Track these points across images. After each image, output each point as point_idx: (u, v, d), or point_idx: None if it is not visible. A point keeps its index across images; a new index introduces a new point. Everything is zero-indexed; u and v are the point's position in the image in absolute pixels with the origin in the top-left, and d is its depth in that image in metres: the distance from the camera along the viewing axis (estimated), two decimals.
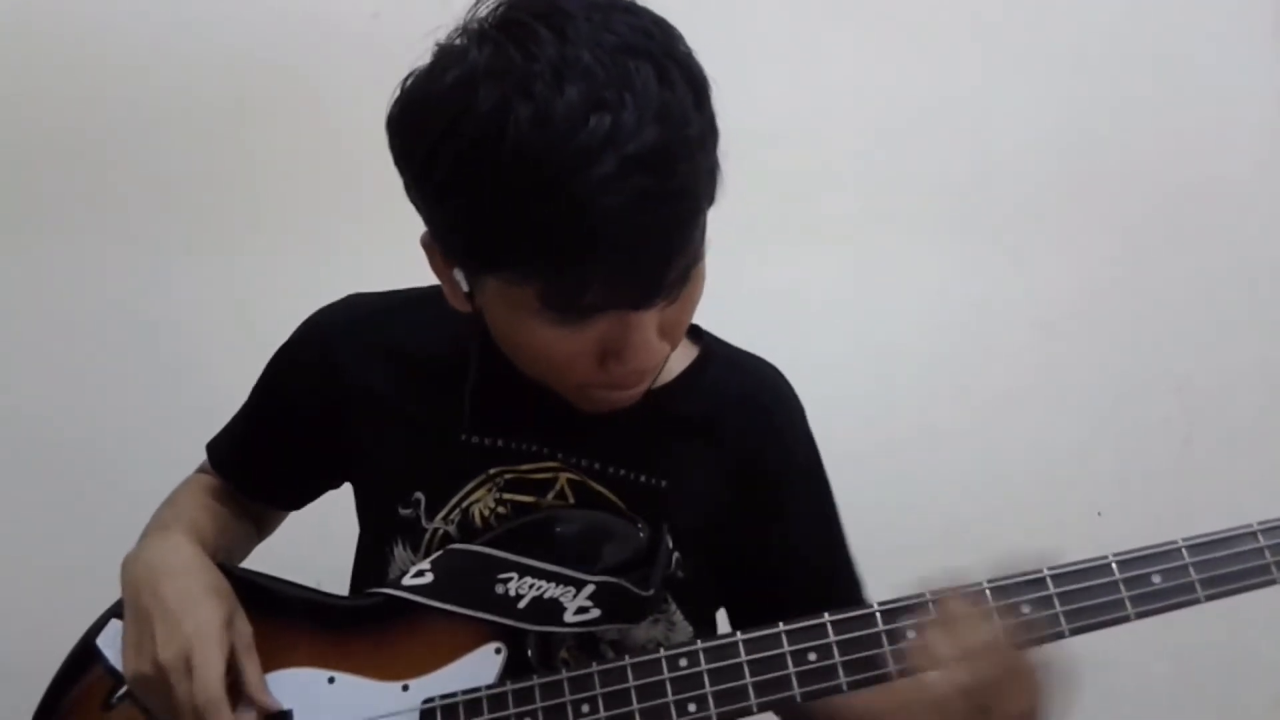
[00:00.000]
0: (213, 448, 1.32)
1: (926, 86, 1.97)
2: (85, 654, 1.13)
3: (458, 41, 0.91)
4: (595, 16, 0.87)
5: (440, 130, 0.87)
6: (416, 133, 0.91)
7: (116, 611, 1.13)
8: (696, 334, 1.22)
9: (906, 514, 1.94)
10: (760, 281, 1.91)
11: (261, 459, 1.29)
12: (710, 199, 0.94)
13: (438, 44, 0.92)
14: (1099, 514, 1.85)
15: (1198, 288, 1.96)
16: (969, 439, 1.94)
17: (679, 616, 1.14)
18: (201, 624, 1.03)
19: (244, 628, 1.08)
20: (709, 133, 0.91)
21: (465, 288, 0.98)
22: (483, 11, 0.91)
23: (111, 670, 1.10)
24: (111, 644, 1.11)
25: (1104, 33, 1.97)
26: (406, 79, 0.93)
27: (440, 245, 0.98)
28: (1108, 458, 1.93)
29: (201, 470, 1.33)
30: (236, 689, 1.04)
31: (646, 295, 0.91)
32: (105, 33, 1.91)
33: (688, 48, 0.92)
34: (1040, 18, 1.97)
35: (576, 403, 1.06)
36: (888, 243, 1.96)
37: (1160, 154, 1.97)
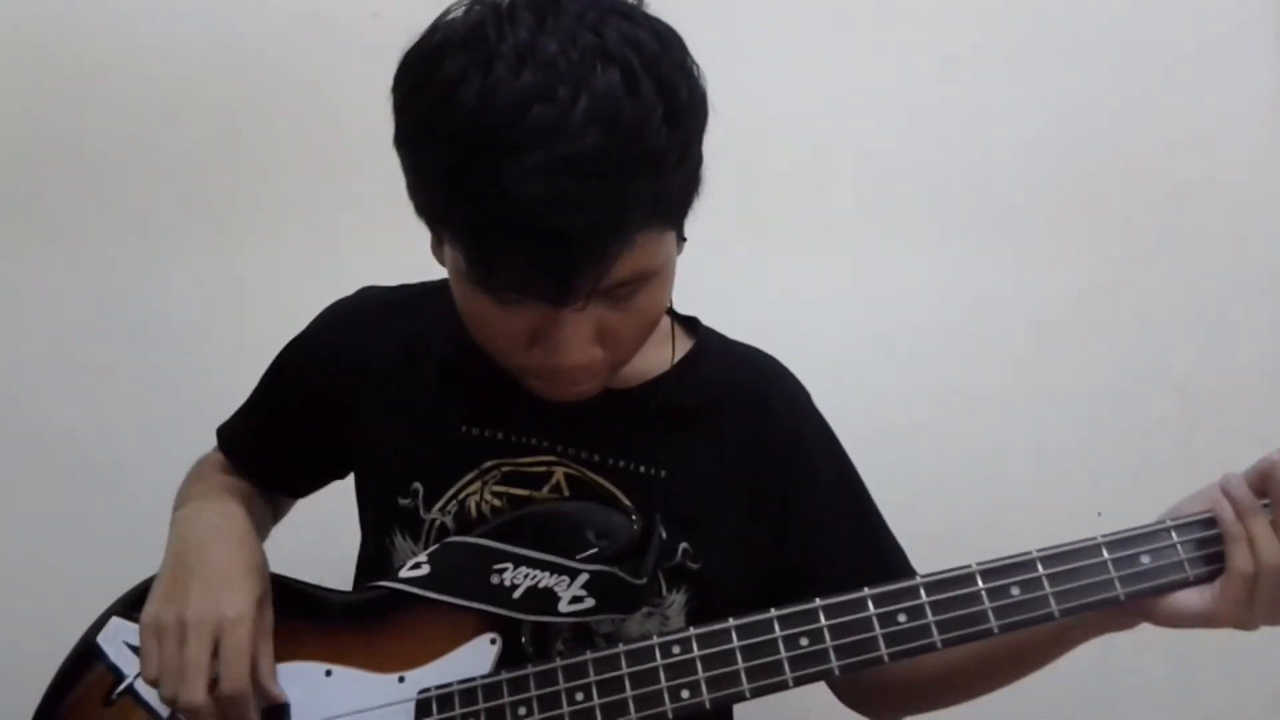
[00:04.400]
0: (223, 432, 1.34)
1: (926, 85, 1.97)
2: (86, 651, 1.14)
3: (463, 10, 0.93)
4: (589, 16, 0.88)
5: (410, 88, 0.91)
6: (397, 85, 0.94)
7: (117, 609, 1.15)
8: (693, 327, 1.23)
9: (906, 514, 1.93)
10: (758, 280, 1.91)
11: (269, 445, 1.31)
12: (664, 219, 0.94)
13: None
14: (1099, 514, 1.85)
15: (1198, 288, 1.95)
16: (968, 439, 1.94)
17: (673, 610, 1.14)
18: (238, 597, 1.05)
19: (269, 613, 1.10)
20: (674, 152, 0.89)
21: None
22: None
23: (112, 667, 1.11)
24: (112, 641, 1.12)
25: (1103, 32, 1.96)
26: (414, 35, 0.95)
27: None
28: (1108, 458, 1.92)
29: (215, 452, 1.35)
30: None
31: (556, 294, 0.91)
32: (104, 32, 1.92)
33: (687, 64, 0.92)
34: (1040, 17, 1.97)
35: (527, 387, 1.07)
36: (887, 242, 1.95)
37: (1160, 153, 1.96)
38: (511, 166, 0.83)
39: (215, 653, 1.03)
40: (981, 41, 1.97)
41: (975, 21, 1.97)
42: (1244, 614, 0.98)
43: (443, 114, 0.86)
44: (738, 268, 1.86)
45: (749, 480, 1.17)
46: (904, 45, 1.97)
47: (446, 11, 0.94)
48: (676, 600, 1.14)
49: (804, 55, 1.97)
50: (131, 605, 1.14)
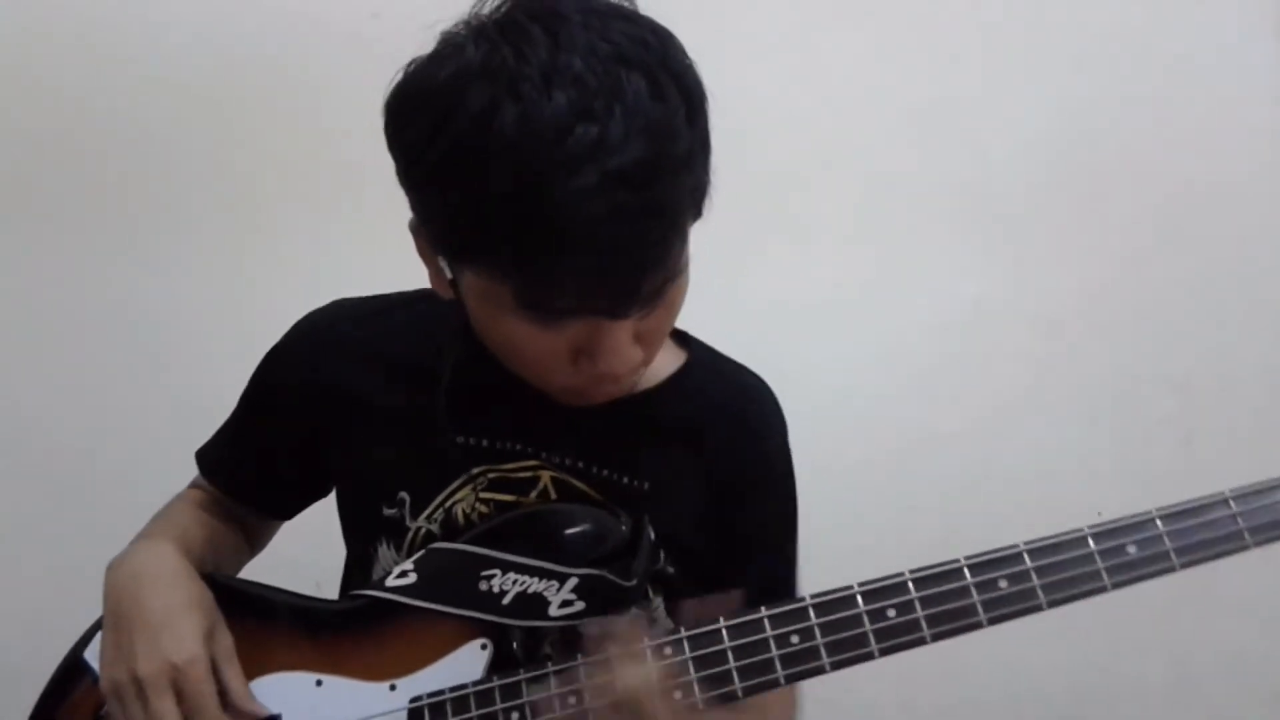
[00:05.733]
0: (202, 454, 1.32)
1: (926, 86, 1.97)
2: (73, 667, 1.13)
3: (460, 33, 0.91)
4: (593, 23, 0.87)
5: (430, 123, 0.88)
6: (408, 122, 0.92)
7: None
8: (684, 340, 1.22)
9: (906, 514, 1.94)
10: (759, 282, 1.91)
11: (250, 463, 1.29)
12: (696, 214, 0.94)
13: (442, 33, 0.93)
14: (1099, 514, 1.84)
15: (1198, 288, 1.95)
16: (969, 439, 1.94)
17: (661, 612, 1.14)
18: (183, 638, 1.04)
19: (224, 639, 1.08)
20: (699, 148, 0.91)
21: (449, 275, 0.98)
22: (487, 8, 0.92)
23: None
24: (99, 656, 1.10)
25: (1104, 32, 1.96)
26: (407, 65, 0.93)
27: (425, 232, 0.98)
28: (1108, 458, 1.92)
29: (194, 484, 1.33)
30: (222, 699, 1.04)
31: (620, 306, 0.91)
32: (106, 32, 1.93)
33: (687, 59, 0.92)
34: (1040, 17, 1.97)
35: (556, 397, 1.06)
36: (887, 243, 1.96)
37: (1160, 154, 1.96)
38: (566, 190, 0.82)
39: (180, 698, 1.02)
40: (982, 42, 1.97)
41: (976, 22, 1.97)
42: None
43: (481, 146, 0.84)
44: (737, 269, 1.86)
45: (719, 498, 1.17)
46: (904, 45, 1.97)
47: (444, 42, 0.92)
48: (660, 605, 1.15)
49: (804, 55, 1.97)
50: None
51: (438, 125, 0.87)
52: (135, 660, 1.02)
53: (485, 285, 0.93)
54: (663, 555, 1.13)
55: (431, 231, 0.97)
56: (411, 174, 0.93)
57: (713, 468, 1.16)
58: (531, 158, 0.83)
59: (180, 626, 1.04)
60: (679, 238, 0.92)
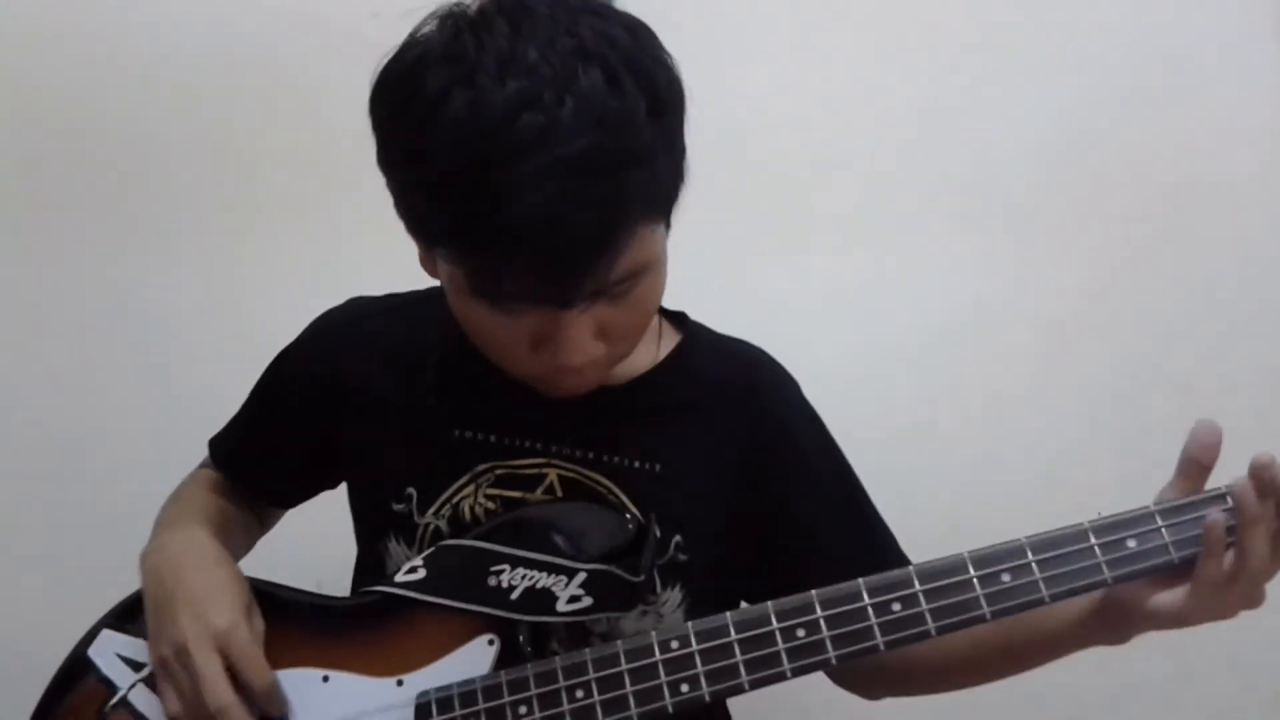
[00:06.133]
0: (214, 444, 1.34)
1: (925, 85, 1.97)
2: (77, 665, 1.13)
3: (432, 23, 0.93)
4: (560, 16, 0.89)
5: (393, 108, 0.91)
6: (378, 106, 0.95)
7: (107, 621, 1.15)
8: (680, 321, 1.24)
9: (906, 514, 1.93)
10: (758, 281, 1.91)
11: (261, 455, 1.31)
12: (657, 211, 0.95)
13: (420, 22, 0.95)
14: (1099, 513, 1.84)
15: (1198, 288, 1.95)
16: (968, 439, 1.93)
17: (667, 608, 1.14)
18: (224, 608, 1.05)
19: (258, 620, 1.10)
20: (661, 145, 0.91)
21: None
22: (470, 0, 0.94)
23: (105, 680, 1.11)
24: (103, 654, 1.12)
25: (1104, 32, 1.96)
26: (386, 55, 0.95)
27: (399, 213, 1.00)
28: (1108, 458, 1.92)
29: (204, 465, 1.35)
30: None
31: (565, 296, 0.92)
32: (104, 31, 1.92)
33: (661, 56, 0.93)
34: (1040, 16, 1.97)
35: (531, 385, 1.07)
36: (886, 242, 1.95)
37: (1161, 153, 1.96)
38: (507, 177, 0.84)
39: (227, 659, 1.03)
40: (982, 41, 1.97)
41: (976, 21, 1.97)
42: (1218, 610, 0.99)
43: (431, 131, 0.86)
44: (737, 269, 1.86)
45: (738, 473, 1.17)
46: (904, 45, 1.97)
47: (418, 28, 0.94)
48: (671, 598, 1.14)
49: (804, 55, 1.97)
50: (121, 617, 1.15)
51: (399, 109, 0.90)
52: (179, 631, 1.04)
53: (449, 269, 0.96)
54: (674, 543, 1.13)
55: (400, 213, 0.99)
56: (382, 156, 0.96)
57: (726, 439, 1.17)
58: (477, 143, 0.85)
59: (222, 599, 1.06)
60: (628, 232, 0.91)
